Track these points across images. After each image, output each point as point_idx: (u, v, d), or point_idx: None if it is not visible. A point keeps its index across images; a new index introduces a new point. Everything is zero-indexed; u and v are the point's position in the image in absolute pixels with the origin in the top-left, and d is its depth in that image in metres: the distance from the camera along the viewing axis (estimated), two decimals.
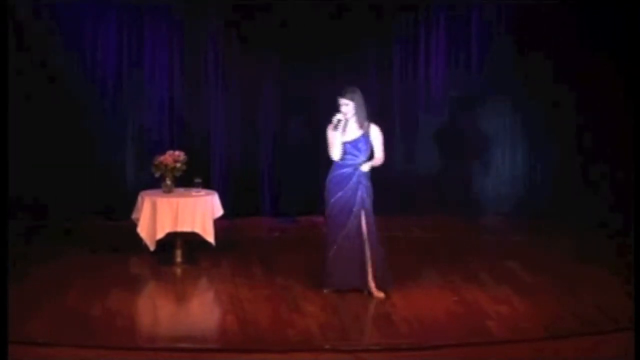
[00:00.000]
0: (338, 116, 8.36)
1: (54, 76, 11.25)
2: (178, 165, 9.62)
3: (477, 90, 11.88)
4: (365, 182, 8.48)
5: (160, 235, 9.48)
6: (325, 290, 8.54)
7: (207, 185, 10.20)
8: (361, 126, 8.45)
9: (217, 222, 9.76)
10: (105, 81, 11.48)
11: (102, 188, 11.35)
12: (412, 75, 11.94)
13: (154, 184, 9.80)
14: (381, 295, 8.47)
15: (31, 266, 9.44)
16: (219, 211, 9.82)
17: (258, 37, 11.57)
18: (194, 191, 9.72)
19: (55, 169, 11.23)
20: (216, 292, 8.87)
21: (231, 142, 11.73)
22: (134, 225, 9.62)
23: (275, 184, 11.69)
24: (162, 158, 9.63)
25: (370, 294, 8.47)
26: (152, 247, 9.51)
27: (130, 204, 9.85)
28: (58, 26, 11.23)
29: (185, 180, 9.78)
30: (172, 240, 9.66)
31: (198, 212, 9.53)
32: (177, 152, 9.68)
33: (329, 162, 11.55)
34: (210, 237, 9.56)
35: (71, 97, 11.33)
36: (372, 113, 11.86)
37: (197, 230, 9.52)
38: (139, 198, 9.69)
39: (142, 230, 9.50)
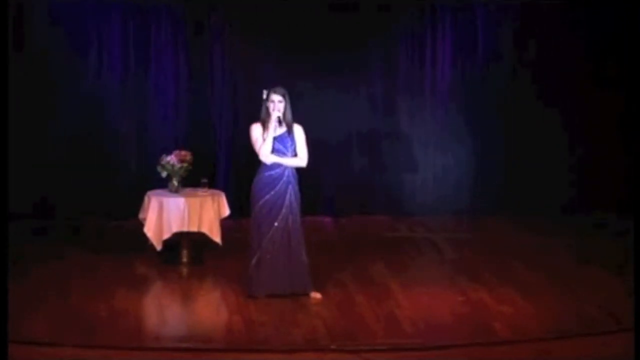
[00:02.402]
0: (276, 113, 8.31)
1: (58, 76, 11.26)
2: (184, 165, 9.63)
3: (481, 89, 11.89)
4: (294, 183, 8.44)
5: (166, 235, 9.50)
6: (256, 296, 8.47)
7: (213, 185, 10.22)
8: (286, 124, 8.40)
9: (224, 222, 9.78)
10: (111, 80, 11.48)
11: (108, 188, 11.35)
12: (418, 74, 11.94)
13: (161, 184, 9.82)
14: (318, 296, 8.48)
15: (36, 266, 9.45)
16: (226, 211, 9.83)
17: (263, 36, 11.57)
18: (200, 191, 9.73)
19: (60, 169, 11.23)
20: (222, 292, 8.86)
21: (237, 142, 11.72)
22: (140, 225, 9.63)
23: None
24: (168, 158, 9.65)
25: (306, 295, 8.50)
26: (158, 247, 9.53)
27: (136, 204, 9.86)
28: (63, 26, 11.24)
29: (192, 180, 9.80)
30: (178, 240, 9.68)
31: (205, 212, 9.54)
32: (183, 152, 9.70)
33: (332, 161, 11.70)
34: (216, 237, 9.59)
35: (76, 97, 11.34)
36: (376, 111, 12.05)
37: (204, 230, 9.54)
38: (146, 198, 9.70)
39: (149, 230, 9.51)
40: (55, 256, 9.87)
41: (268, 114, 8.37)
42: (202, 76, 11.70)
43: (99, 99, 11.46)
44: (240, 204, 10.72)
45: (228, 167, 11.73)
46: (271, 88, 8.42)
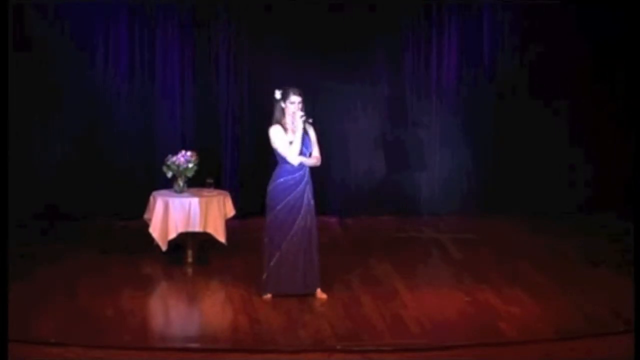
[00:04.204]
0: (301, 114, 8.23)
1: (65, 76, 11.26)
2: (190, 165, 9.63)
3: (487, 90, 11.88)
4: (311, 182, 8.42)
5: (172, 235, 9.49)
6: (264, 296, 8.46)
7: (218, 185, 10.22)
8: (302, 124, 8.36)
9: (229, 223, 9.77)
10: (117, 81, 11.49)
11: (114, 188, 11.35)
12: (424, 75, 11.93)
13: (167, 184, 9.82)
14: (324, 297, 8.48)
15: (43, 266, 9.45)
16: (231, 211, 9.83)
17: (269, 36, 11.56)
18: (205, 191, 9.73)
19: (66, 169, 11.25)
20: (227, 292, 8.85)
21: (243, 142, 11.72)
22: (145, 225, 9.64)
23: None
24: (174, 158, 9.65)
25: (313, 295, 8.50)
26: (163, 247, 9.52)
27: (142, 204, 9.86)
28: (69, 26, 11.24)
29: (197, 181, 9.79)
30: (183, 241, 9.67)
31: (210, 212, 9.53)
32: (189, 152, 9.70)
33: (338, 162, 11.68)
34: (222, 238, 9.58)
35: (82, 97, 11.34)
36: (382, 112, 12.04)
37: (209, 230, 9.53)
38: (151, 198, 9.70)
39: (154, 231, 9.50)
40: (61, 256, 9.86)
41: (284, 115, 8.31)
42: (208, 76, 11.70)
43: (105, 99, 11.46)
44: (246, 204, 10.75)
45: (234, 167, 11.73)
46: (288, 88, 8.33)
